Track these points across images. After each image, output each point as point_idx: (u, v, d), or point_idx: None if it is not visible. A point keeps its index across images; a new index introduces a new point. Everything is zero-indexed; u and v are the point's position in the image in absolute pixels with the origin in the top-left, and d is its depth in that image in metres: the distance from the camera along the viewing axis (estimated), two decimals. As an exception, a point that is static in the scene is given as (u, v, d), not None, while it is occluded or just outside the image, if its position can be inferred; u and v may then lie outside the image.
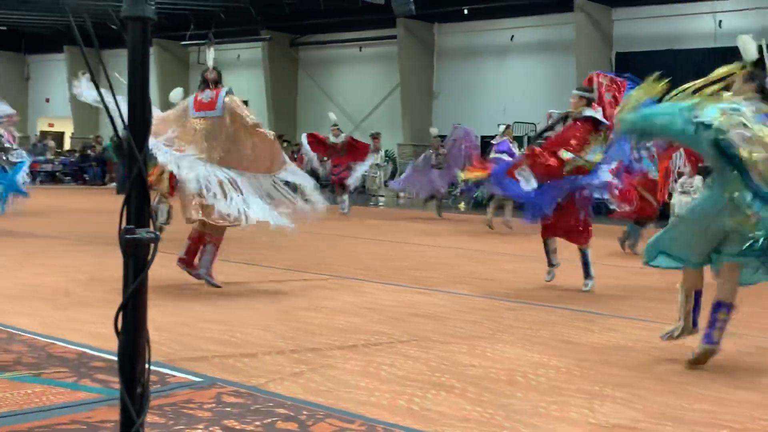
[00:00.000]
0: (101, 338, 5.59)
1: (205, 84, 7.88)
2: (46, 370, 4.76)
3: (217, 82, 7.86)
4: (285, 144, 30.61)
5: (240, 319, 6.42)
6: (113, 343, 5.43)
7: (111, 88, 1.95)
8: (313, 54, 33.00)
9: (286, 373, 4.86)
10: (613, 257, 11.16)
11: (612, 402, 4.46)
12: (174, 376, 4.72)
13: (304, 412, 4.09)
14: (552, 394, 4.56)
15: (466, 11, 27.43)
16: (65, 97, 38.17)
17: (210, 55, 8.20)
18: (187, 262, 7.86)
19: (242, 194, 7.39)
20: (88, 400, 4.25)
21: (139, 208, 1.83)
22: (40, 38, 38.54)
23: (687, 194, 19.66)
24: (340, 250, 11.63)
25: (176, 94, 9.30)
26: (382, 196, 25.82)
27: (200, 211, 7.49)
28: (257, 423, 3.90)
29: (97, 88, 2.13)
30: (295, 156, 29.40)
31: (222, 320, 6.34)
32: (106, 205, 19.35)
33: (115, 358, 5.01)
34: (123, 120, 1.77)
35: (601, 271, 8.94)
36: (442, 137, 19.45)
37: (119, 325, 1.91)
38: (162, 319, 6.28)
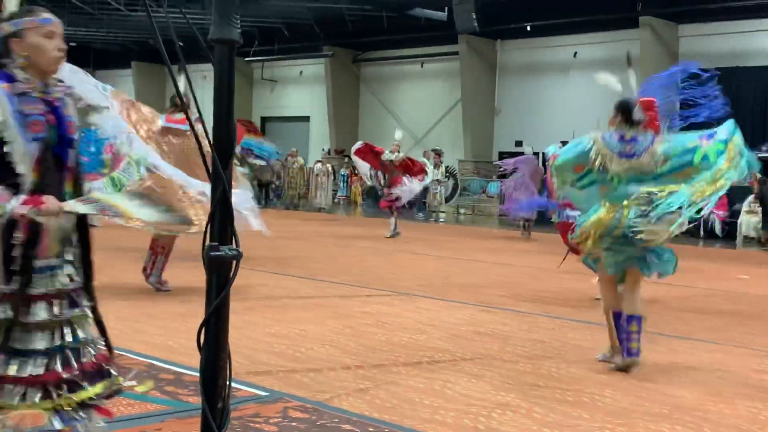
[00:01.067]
0: (168, 350, 5.68)
1: (175, 106, 8.72)
2: (115, 381, 4.83)
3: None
4: (346, 159, 30.83)
5: (304, 334, 6.45)
6: (180, 356, 5.53)
7: (197, 106, 1.98)
8: (375, 70, 33.17)
9: (350, 388, 4.87)
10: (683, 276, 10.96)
11: (682, 426, 4.38)
12: (240, 389, 4.76)
13: (370, 429, 4.10)
14: (619, 416, 4.49)
15: (528, 28, 27.33)
16: (132, 111, 38.98)
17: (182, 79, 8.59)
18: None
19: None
20: (157, 411, 4.31)
21: (222, 226, 1.86)
22: (108, 54, 39.43)
23: (754, 213, 19.19)
24: (399, 265, 11.63)
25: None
26: (443, 212, 25.77)
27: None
28: (323, 438, 3.92)
29: (183, 106, 2.15)
30: (355, 172, 29.60)
31: (285, 335, 6.38)
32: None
33: (182, 371, 5.10)
34: (208, 138, 1.80)
35: (668, 292, 8.80)
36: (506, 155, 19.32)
37: (201, 340, 1.92)
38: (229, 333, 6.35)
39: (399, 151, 16.95)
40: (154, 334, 6.23)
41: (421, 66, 31.38)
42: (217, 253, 1.85)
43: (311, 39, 31.81)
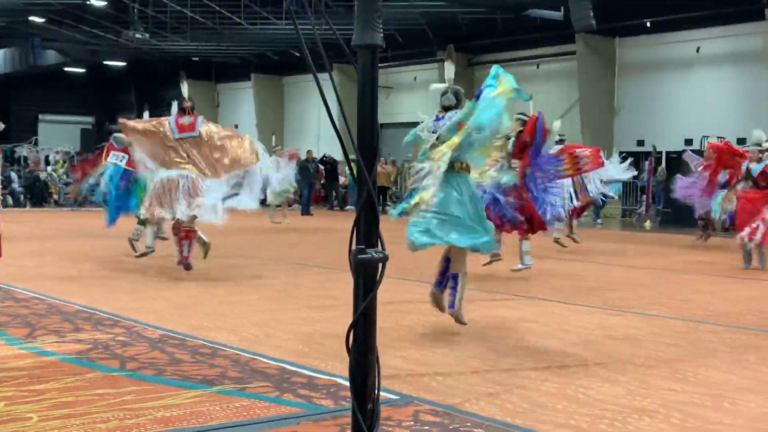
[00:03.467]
0: (299, 354, 5.77)
1: (183, 111, 9.94)
2: (250, 385, 4.94)
3: (192, 110, 9.99)
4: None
5: (430, 337, 6.45)
6: (311, 360, 5.62)
7: (341, 110, 2.00)
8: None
9: (481, 393, 4.83)
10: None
11: (833, 433, 4.17)
12: (371, 393, 4.79)
13: (504, 434, 4.06)
14: (763, 421, 4.32)
15: (648, 24, 26.67)
16: (252, 122, 39.96)
17: (185, 87, 10.58)
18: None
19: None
20: (292, 414, 4.38)
21: (368, 230, 1.87)
22: (228, 67, 40.52)
23: None
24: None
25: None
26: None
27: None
28: (457, 443, 3.90)
29: (329, 112, 2.17)
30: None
31: (412, 339, 6.40)
32: (293, 225, 20.04)
33: (314, 374, 5.18)
34: (353, 143, 1.81)
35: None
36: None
37: (350, 343, 1.93)
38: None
39: None
40: (284, 339, 6.33)
41: (537, 67, 31.01)
42: (364, 256, 1.86)
43: (424, 44, 31.88)
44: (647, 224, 21.64)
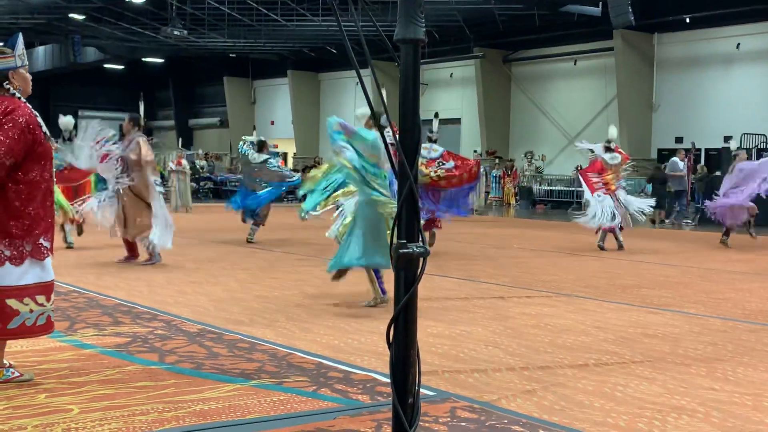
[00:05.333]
0: (335, 349, 5.80)
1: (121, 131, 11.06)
2: (287, 379, 4.97)
3: (130, 130, 10.79)
4: (497, 161, 30.62)
5: (467, 334, 6.44)
6: (347, 355, 5.64)
7: (384, 105, 2.01)
8: (526, 69, 32.80)
9: (517, 390, 4.83)
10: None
11: None
12: (408, 389, 4.80)
13: (540, 431, 4.05)
14: (806, 423, 4.26)
15: (687, 20, 26.38)
16: (288, 119, 40.11)
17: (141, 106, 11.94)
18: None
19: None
20: (329, 409, 4.40)
21: (409, 224, 1.87)
22: (265, 64, 40.70)
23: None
24: (560, 266, 11.44)
25: (66, 121, 12.43)
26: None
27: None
28: (494, 439, 3.90)
29: (374, 117, 2.17)
30: (508, 173, 29.32)
31: (449, 335, 6.40)
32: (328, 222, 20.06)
33: (351, 370, 5.20)
34: (395, 140, 1.82)
35: None
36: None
37: (391, 337, 1.94)
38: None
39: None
40: (321, 333, 6.36)
41: (575, 63, 30.80)
42: (406, 250, 1.86)
43: (461, 41, 31.80)
44: (686, 222, 21.41)
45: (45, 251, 4.88)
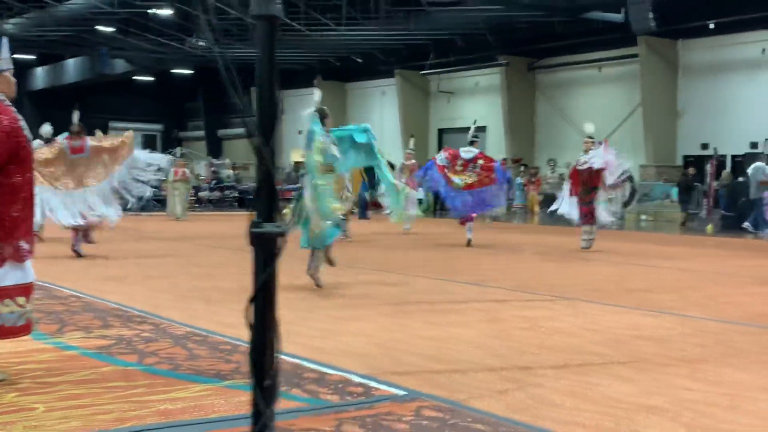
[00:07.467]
0: (318, 351, 5.78)
1: (72, 134, 12.01)
2: (260, 379, 4.95)
3: (79, 133, 12.03)
4: (522, 168, 30.46)
5: (455, 336, 6.39)
6: (328, 356, 5.61)
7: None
8: (551, 77, 32.66)
9: (491, 390, 4.77)
10: None
11: None
12: (379, 389, 4.77)
13: (502, 429, 3.99)
14: (778, 422, 4.16)
15: (712, 26, 26.11)
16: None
17: (75, 115, 12.21)
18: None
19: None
20: (295, 408, 4.38)
21: (267, 203, 1.84)
22: (292, 74, 40.88)
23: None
24: (570, 271, 11.34)
25: (46, 129, 13.20)
26: (621, 217, 24.87)
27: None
28: (452, 437, 3.85)
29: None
30: (532, 180, 29.13)
31: (437, 337, 6.35)
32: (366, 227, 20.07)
33: (327, 371, 5.16)
34: (250, 114, 1.80)
35: None
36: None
37: (250, 318, 1.91)
38: (379, 334, 6.42)
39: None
40: (309, 335, 6.34)
41: (599, 70, 30.62)
42: (261, 230, 1.84)
43: (486, 49, 31.73)
44: (708, 228, 21.14)
45: (25, 253, 4.91)
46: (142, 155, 12.40)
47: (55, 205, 11.63)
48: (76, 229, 12.04)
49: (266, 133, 1.80)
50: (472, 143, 15.12)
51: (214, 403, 4.41)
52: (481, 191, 14.77)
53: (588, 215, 14.38)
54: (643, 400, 4.56)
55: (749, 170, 20.16)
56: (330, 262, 9.26)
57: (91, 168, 11.94)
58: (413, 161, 19.28)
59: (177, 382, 4.86)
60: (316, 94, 9.33)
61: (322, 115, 8.91)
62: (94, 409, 4.25)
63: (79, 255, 12.03)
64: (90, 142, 12.09)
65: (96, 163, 11.99)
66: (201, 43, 29.65)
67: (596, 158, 14.22)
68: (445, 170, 14.85)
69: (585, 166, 14.36)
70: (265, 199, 1.83)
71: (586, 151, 14.51)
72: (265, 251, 1.87)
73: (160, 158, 12.83)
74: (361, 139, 9.31)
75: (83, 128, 12.17)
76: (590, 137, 14.69)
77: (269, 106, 1.86)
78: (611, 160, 14.19)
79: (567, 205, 14.78)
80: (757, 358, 5.70)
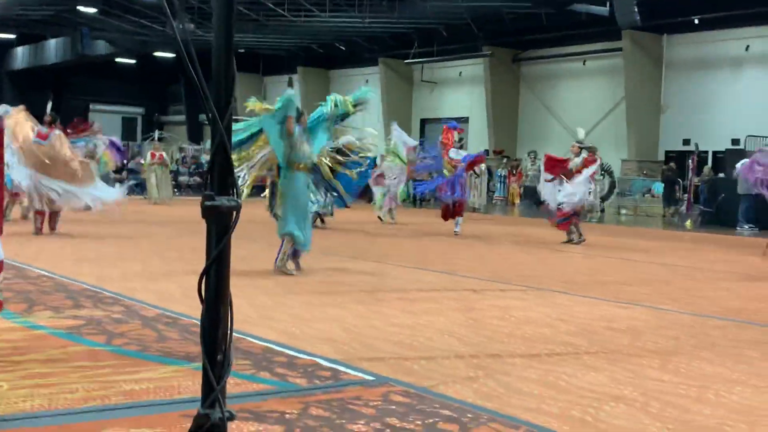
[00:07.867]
0: (289, 336, 5.74)
1: (43, 123, 12.42)
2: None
3: (51, 123, 12.48)
4: (504, 159, 30.50)
5: (428, 324, 6.37)
6: (299, 341, 5.57)
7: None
8: (535, 69, 32.66)
9: (460, 377, 4.75)
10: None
11: (814, 427, 4.01)
12: (348, 373, 4.74)
13: (468, 415, 3.97)
14: (743, 413, 4.17)
15: (696, 21, 26.19)
16: (297, 115, 40.07)
17: (49, 105, 15.52)
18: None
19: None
20: (262, 391, 4.34)
21: (221, 177, 1.81)
22: (275, 60, 40.71)
23: None
24: (546, 263, 11.36)
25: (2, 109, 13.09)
26: (602, 210, 24.96)
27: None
28: (418, 422, 3.82)
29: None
30: (513, 173, 29.15)
31: (410, 324, 6.33)
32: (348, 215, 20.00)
33: (297, 355, 5.13)
34: (205, 90, 1.76)
35: None
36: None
37: (203, 292, 1.88)
38: (352, 321, 6.39)
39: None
40: (283, 321, 6.31)
41: (583, 63, 30.66)
42: (214, 203, 1.80)
43: (470, 39, 31.69)
44: (688, 223, 21.24)
45: None
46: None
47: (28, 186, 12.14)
48: (40, 212, 12.56)
49: (220, 108, 1.76)
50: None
51: (181, 385, 4.37)
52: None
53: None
54: (613, 390, 4.56)
55: (738, 165, 19.98)
56: (293, 268, 9.22)
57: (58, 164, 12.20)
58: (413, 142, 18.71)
59: (145, 363, 4.81)
60: (289, 91, 9.35)
61: (299, 114, 9.00)
62: (59, 387, 4.20)
63: (37, 232, 12.49)
64: (54, 136, 12.32)
65: (57, 162, 12.20)
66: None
67: (579, 186, 14.06)
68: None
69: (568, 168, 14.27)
70: (219, 173, 1.79)
71: (574, 156, 14.36)
72: (219, 225, 1.83)
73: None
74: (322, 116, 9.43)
75: (55, 119, 12.58)
76: (579, 142, 14.52)
77: (225, 82, 1.82)
78: (584, 192, 14.16)
79: (547, 192, 14.67)
80: (727, 352, 5.71)
